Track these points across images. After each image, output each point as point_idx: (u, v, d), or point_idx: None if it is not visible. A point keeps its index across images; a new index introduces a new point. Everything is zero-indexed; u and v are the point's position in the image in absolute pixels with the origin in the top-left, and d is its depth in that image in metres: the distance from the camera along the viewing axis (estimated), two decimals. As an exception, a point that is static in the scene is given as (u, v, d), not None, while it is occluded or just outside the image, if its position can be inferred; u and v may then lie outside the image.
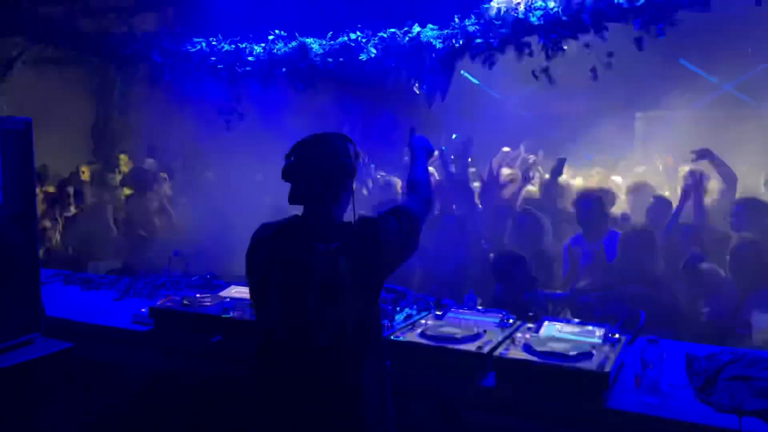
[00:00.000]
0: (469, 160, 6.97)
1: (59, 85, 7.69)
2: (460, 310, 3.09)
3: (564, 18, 3.69)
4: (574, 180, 6.39)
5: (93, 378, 3.07)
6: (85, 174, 7.37)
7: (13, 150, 2.77)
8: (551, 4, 3.73)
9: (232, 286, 3.52)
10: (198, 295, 3.29)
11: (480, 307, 3.18)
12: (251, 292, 2.30)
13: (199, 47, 4.66)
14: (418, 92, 4.75)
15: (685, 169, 5.14)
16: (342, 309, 2.10)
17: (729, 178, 4.87)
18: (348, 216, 2.31)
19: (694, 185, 4.50)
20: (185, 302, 3.16)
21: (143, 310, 3.24)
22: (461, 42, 3.88)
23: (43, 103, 6.29)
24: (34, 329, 2.89)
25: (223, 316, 3.00)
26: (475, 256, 4.56)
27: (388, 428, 2.20)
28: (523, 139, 6.76)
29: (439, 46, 3.91)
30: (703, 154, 4.80)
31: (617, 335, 2.67)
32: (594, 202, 4.19)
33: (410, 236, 2.23)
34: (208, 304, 3.15)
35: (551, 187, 5.21)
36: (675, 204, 4.63)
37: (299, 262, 2.15)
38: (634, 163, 7.89)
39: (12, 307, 2.80)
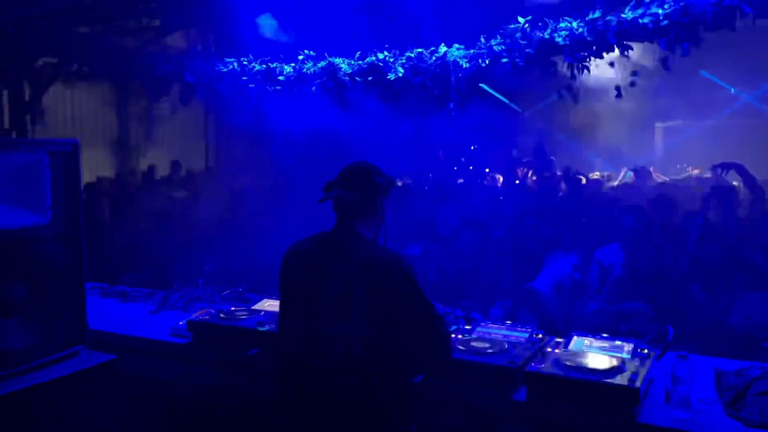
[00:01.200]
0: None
1: (87, 100, 7.92)
2: (489, 324, 3.15)
3: (589, 38, 3.76)
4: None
5: (133, 390, 3.17)
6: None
7: (61, 171, 2.88)
8: (575, 24, 3.82)
9: (265, 299, 3.62)
10: (233, 308, 3.40)
11: (508, 322, 3.24)
12: (280, 304, 2.41)
13: (231, 67, 4.80)
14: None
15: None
16: (352, 326, 2.18)
17: (757, 190, 4.88)
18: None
19: (718, 195, 4.52)
20: (222, 315, 3.26)
21: (181, 323, 3.35)
22: (487, 61, 3.97)
23: (71, 118, 6.50)
24: (79, 342, 2.98)
25: (259, 329, 3.09)
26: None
27: None
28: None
29: (465, 65, 4.00)
30: (728, 166, 4.82)
31: (646, 350, 2.72)
32: (639, 217, 4.18)
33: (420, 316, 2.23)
34: (244, 317, 3.25)
35: None
36: None
37: (319, 277, 2.26)
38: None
39: (58, 322, 2.90)
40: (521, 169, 8.70)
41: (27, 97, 6.32)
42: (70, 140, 2.94)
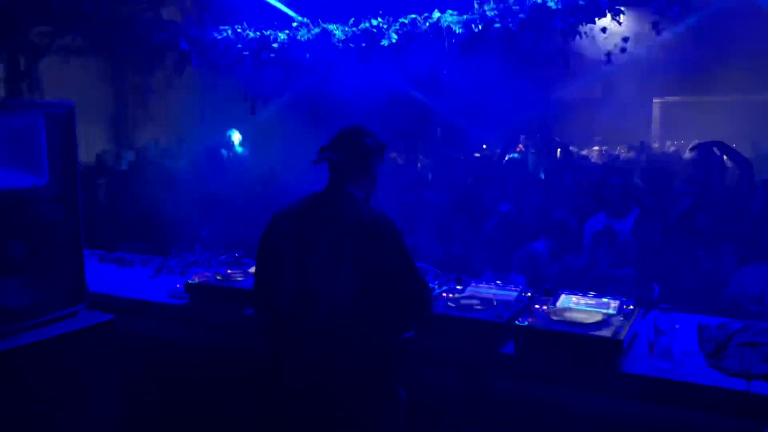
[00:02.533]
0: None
1: (82, 74, 7.89)
2: (480, 285, 3.22)
3: (581, 2, 3.78)
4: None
5: (131, 349, 3.24)
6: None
7: (56, 133, 2.91)
8: (569, -12, 3.83)
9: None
10: (229, 271, 3.47)
11: (498, 282, 3.31)
12: (263, 263, 2.46)
13: (225, 35, 4.81)
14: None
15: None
16: (340, 283, 2.24)
17: (742, 164, 4.92)
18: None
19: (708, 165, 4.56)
20: (219, 277, 3.32)
21: (178, 285, 3.42)
22: (480, 27, 3.98)
23: (66, 92, 6.49)
24: (78, 301, 3.04)
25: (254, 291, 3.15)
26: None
27: (393, 398, 2.35)
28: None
29: (458, 31, 4.01)
30: (707, 144, 4.83)
31: (631, 307, 2.79)
32: (620, 178, 4.25)
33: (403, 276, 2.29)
34: (240, 279, 3.31)
35: None
36: None
37: (311, 234, 2.32)
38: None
39: (57, 281, 2.95)
40: (520, 144, 8.72)
41: (22, 68, 6.32)
42: (66, 102, 2.96)
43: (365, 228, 2.26)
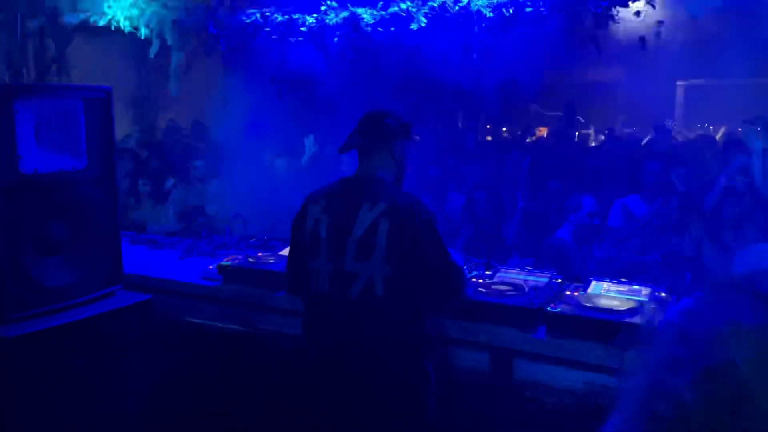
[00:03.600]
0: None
1: (107, 55, 7.95)
2: (509, 270, 3.24)
3: (614, -15, 3.74)
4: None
5: (165, 330, 3.32)
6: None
7: (95, 117, 2.97)
8: (602, -29, 3.78)
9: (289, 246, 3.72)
10: (260, 254, 3.52)
11: (528, 268, 3.33)
12: (297, 247, 2.49)
13: (253, 18, 4.83)
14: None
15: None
16: (373, 265, 2.27)
17: None
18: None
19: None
20: (250, 259, 3.38)
21: (211, 267, 3.48)
22: (511, 11, 3.96)
23: (91, 74, 6.55)
24: (116, 282, 3.13)
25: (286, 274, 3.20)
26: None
27: (425, 381, 2.38)
28: None
29: (489, 15, 3.99)
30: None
31: (663, 294, 2.80)
32: (661, 164, 4.24)
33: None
34: (272, 261, 3.36)
35: None
36: None
37: (345, 217, 2.34)
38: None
39: (95, 262, 3.03)
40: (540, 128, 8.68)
41: (52, 50, 6.39)
42: (104, 87, 3.02)
43: (399, 213, 2.28)
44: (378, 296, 2.28)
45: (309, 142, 5.38)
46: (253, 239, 4.15)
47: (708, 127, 10.23)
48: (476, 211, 4.42)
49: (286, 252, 3.60)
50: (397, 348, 2.34)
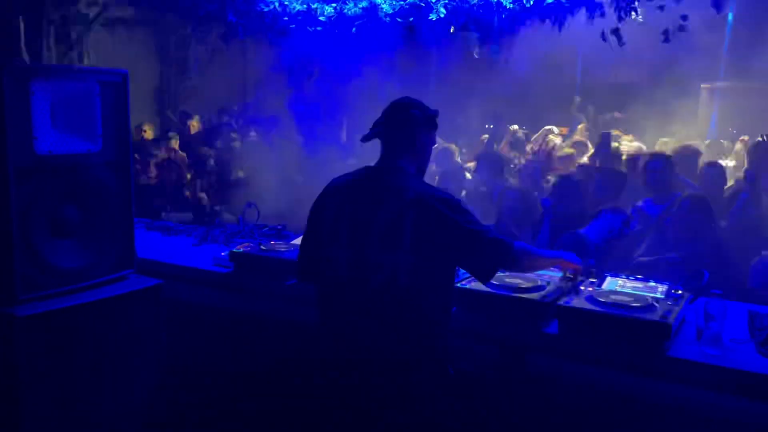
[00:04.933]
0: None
1: (128, 46, 8.02)
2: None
3: (639, -22, 3.67)
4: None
5: (176, 315, 3.33)
6: (148, 133, 7.72)
7: (111, 100, 2.97)
8: (625, -37, 3.71)
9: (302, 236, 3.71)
10: (272, 242, 3.51)
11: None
12: (314, 232, 2.46)
13: (272, 7, 4.82)
14: (476, 56, 4.83)
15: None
16: (398, 255, 2.22)
17: None
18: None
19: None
20: (263, 247, 3.37)
21: (223, 254, 3.48)
22: (531, 2, 3.90)
23: (112, 64, 6.61)
24: (128, 266, 3.12)
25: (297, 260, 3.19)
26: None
27: (443, 373, 2.34)
28: None
29: (509, 6, 3.94)
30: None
31: (680, 291, 2.74)
32: (663, 162, 4.20)
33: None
34: (284, 249, 3.35)
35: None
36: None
37: (368, 206, 2.30)
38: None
39: (108, 246, 3.03)
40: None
41: (72, 38, 6.45)
42: (120, 70, 3.02)
43: (424, 203, 2.25)
44: (401, 286, 2.24)
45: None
46: (267, 228, 4.15)
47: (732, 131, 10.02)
48: (503, 207, 4.42)
49: (298, 241, 3.60)
50: (416, 339, 2.30)
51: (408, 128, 2.41)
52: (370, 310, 2.29)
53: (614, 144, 5.99)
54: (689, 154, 5.19)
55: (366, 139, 2.46)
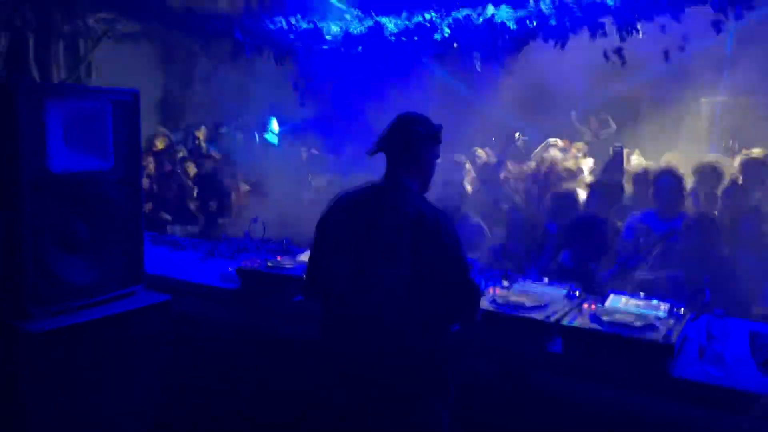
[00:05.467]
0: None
1: (133, 59, 8.10)
2: (528, 281, 3.23)
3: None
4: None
5: (184, 330, 3.35)
6: (161, 145, 7.78)
7: (122, 119, 3.01)
8: (628, -15, 3.77)
9: (308, 251, 3.74)
10: (279, 258, 3.55)
11: (546, 279, 3.31)
12: (320, 248, 2.48)
13: (279, 26, 4.89)
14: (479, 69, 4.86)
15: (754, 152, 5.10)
16: (397, 273, 2.25)
17: None
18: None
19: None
20: (269, 264, 3.41)
21: (230, 269, 3.51)
22: (535, 23, 3.96)
23: (117, 76, 6.68)
24: (137, 282, 3.16)
25: (304, 277, 3.22)
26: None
27: (445, 388, 2.36)
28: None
29: (512, 27, 4.00)
30: None
31: (682, 310, 2.77)
32: (674, 178, 4.20)
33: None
34: (290, 266, 3.39)
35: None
36: None
37: (369, 224, 2.33)
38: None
39: (117, 261, 3.06)
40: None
41: (81, 52, 6.53)
42: (131, 90, 3.07)
43: (425, 223, 2.27)
44: (399, 301, 2.27)
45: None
46: (273, 243, 4.18)
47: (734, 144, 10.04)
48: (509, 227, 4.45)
49: (304, 257, 3.64)
50: (417, 355, 2.32)
51: (411, 144, 2.42)
52: (372, 325, 2.31)
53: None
54: (709, 171, 5.11)
55: (371, 153, 2.47)
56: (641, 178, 4.99)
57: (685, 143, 7.93)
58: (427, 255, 2.25)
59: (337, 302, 2.42)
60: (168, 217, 5.83)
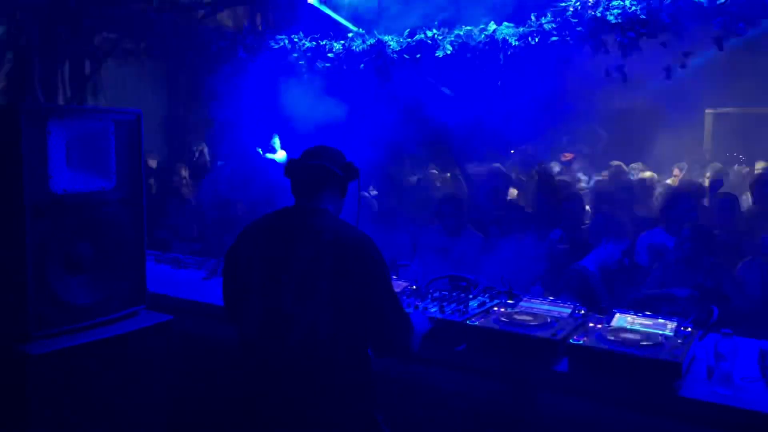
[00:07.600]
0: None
1: (137, 77, 8.16)
2: (532, 300, 3.20)
3: (642, 16, 3.72)
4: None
5: (184, 348, 3.33)
6: (153, 165, 7.80)
7: (124, 139, 3.02)
8: (629, 2, 3.78)
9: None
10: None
11: (551, 298, 3.28)
12: (230, 284, 2.30)
13: (282, 44, 4.92)
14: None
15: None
16: (316, 306, 2.03)
17: None
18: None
19: None
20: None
21: (233, 288, 3.48)
22: (537, 40, 3.97)
23: (122, 96, 6.73)
24: (139, 302, 3.15)
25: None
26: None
27: (371, 425, 2.18)
28: None
29: (515, 44, 4.01)
30: None
31: (689, 329, 2.74)
32: (687, 197, 4.20)
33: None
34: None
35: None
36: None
37: (283, 253, 2.11)
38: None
39: (120, 282, 3.06)
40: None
41: (86, 72, 6.58)
42: (134, 110, 3.08)
43: (347, 248, 2.06)
44: (321, 341, 2.03)
45: None
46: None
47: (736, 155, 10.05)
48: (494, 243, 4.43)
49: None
50: (342, 399, 2.10)
51: (333, 176, 2.23)
52: (289, 372, 2.08)
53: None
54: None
55: (288, 174, 2.28)
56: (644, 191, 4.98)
57: (688, 154, 7.91)
58: (350, 283, 2.03)
59: (250, 346, 2.18)
60: (170, 235, 5.82)
